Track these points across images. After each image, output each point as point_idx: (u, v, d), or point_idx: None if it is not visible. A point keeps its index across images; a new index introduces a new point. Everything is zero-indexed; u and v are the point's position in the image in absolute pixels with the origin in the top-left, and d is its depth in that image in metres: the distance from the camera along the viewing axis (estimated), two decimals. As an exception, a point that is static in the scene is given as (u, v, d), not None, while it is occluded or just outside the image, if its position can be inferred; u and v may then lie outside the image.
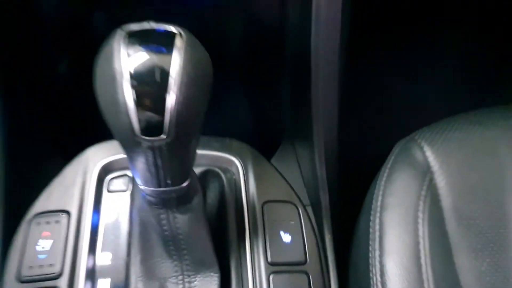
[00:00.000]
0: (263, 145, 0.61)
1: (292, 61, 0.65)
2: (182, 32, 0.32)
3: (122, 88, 0.30)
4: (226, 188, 0.54)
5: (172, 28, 0.32)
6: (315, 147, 0.56)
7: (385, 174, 0.52)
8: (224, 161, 0.55)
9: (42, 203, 0.49)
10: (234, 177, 0.55)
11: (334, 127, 0.56)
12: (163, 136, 0.32)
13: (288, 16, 0.62)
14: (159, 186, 0.37)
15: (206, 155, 0.53)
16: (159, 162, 0.34)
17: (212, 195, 0.52)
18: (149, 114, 0.31)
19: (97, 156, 0.52)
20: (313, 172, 0.57)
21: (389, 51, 1.00)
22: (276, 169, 0.57)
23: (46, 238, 0.47)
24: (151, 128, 0.32)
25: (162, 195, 0.39)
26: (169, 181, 0.37)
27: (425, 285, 0.45)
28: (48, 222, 0.47)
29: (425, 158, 0.52)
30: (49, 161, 0.57)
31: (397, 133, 0.57)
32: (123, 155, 0.52)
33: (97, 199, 0.50)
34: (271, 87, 0.71)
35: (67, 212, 0.49)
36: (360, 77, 0.87)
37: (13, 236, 0.48)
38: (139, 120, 0.31)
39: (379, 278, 0.46)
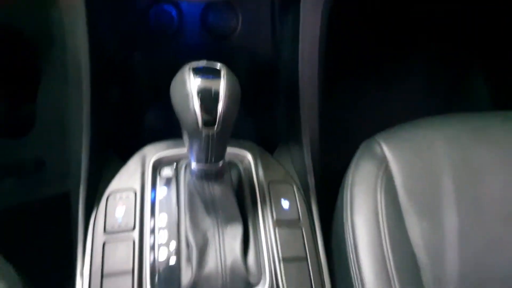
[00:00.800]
0: (266, 146, 0.73)
1: (285, 87, 0.77)
2: (224, 67, 0.51)
3: (193, 100, 0.48)
4: (242, 173, 0.66)
5: (218, 65, 0.51)
6: (303, 146, 0.69)
7: (354, 163, 0.65)
8: (240, 155, 0.68)
9: (116, 184, 0.64)
10: (247, 166, 0.68)
11: (317, 132, 0.70)
12: (215, 127, 0.49)
13: (281, 55, 0.77)
14: (206, 162, 0.55)
15: (228, 151, 0.66)
16: (210, 144, 0.51)
17: (233, 178, 0.64)
18: (208, 115, 0.48)
19: (151, 152, 0.66)
20: (302, 163, 0.70)
21: (362, 73, 1.15)
22: (277, 160, 0.72)
23: (121, 206, 0.61)
24: (209, 123, 0.48)
25: (206, 170, 0.56)
26: (213, 159, 0.54)
27: (382, 234, 0.58)
28: (121, 197, 0.62)
29: (383, 151, 0.64)
30: (110, 159, 0.71)
31: (364, 134, 0.68)
32: (169, 152, 0.67)
33: (153, 181, 0.63)
34: (271, 105, 0.86)
35: (134, 190, 0.62)
36: (337, 95, 1.01)
37: (93, 209, 0.63)
38: (202, 118, 0.48)
39: (350, 229, 0.59)
